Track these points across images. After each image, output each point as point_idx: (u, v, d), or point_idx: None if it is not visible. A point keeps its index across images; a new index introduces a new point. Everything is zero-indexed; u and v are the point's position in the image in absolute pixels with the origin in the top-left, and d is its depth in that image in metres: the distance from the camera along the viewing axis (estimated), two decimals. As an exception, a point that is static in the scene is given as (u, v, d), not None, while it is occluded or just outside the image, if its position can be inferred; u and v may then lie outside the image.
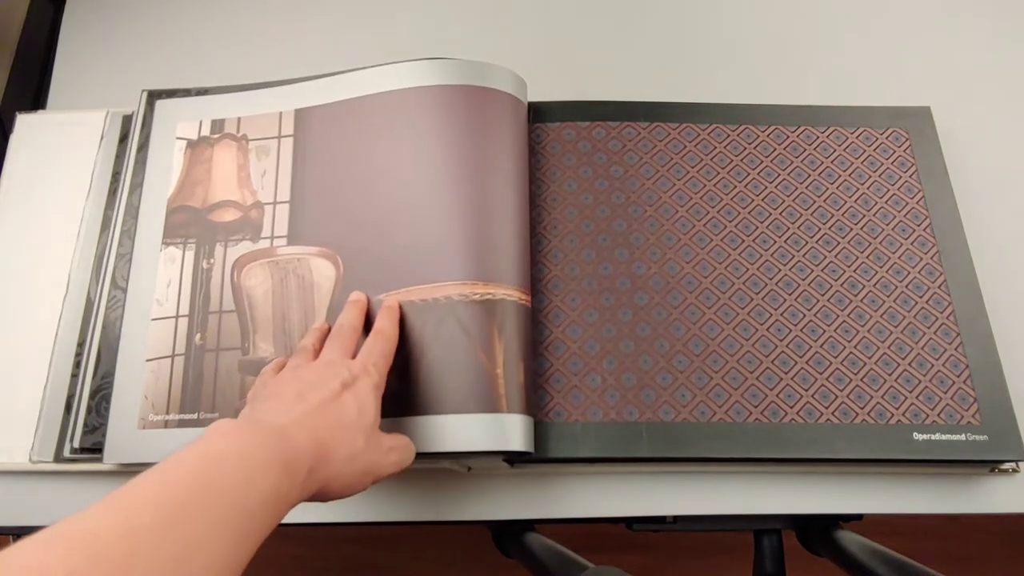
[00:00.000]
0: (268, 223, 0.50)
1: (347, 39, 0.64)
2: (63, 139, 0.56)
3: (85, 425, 0.46)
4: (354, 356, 0.41)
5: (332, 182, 0.50)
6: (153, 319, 0.48)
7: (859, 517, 0.52)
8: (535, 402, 0.46)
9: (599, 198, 0.52)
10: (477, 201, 0.47)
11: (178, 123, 0.54)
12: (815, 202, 0.52)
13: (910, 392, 0.47)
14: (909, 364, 0.48)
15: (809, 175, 0.53)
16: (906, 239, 0.51)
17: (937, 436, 0.46)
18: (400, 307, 0.45)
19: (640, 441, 0.45)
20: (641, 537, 1.08)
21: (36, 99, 0.63)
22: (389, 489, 0.47)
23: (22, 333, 0.50)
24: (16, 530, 0.48)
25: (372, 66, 0.52)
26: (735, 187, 0.53)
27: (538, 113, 0.54)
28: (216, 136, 0.53)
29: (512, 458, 0.45)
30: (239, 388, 0.46)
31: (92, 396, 0.47)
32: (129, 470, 0.46)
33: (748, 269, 0.50)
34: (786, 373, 0.47)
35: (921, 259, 0.51)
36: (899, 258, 0.51)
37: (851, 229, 0.52)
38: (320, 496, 0.35)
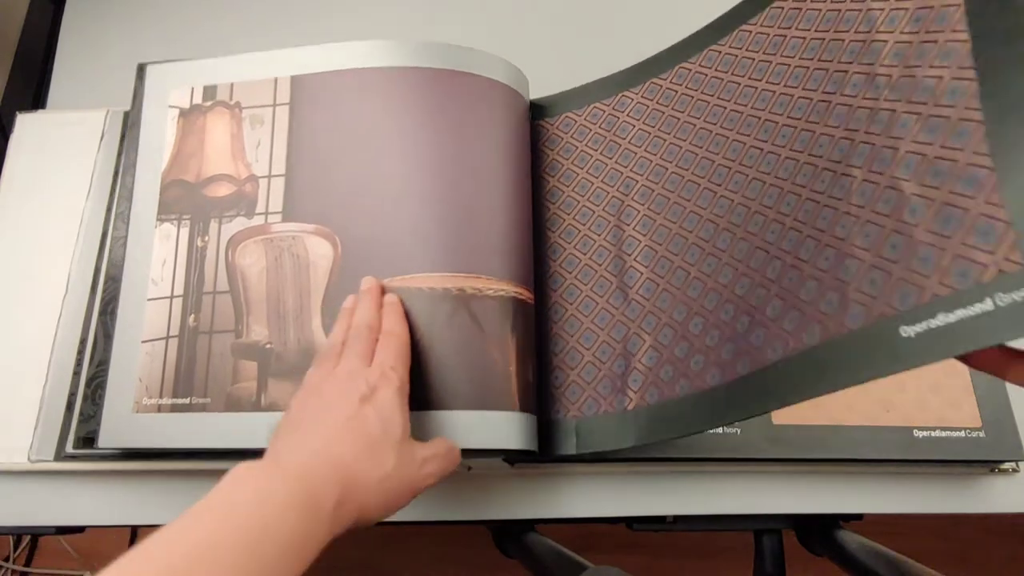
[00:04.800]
0: (263, 198, 0.48)
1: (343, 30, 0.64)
2: (63, 139, 0.56)
3: (81, 414, 0.46)
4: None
5: (330, 156, 0.48)
6: (149, 299, 0.47)
7: (859, 517, 0.52)
8: (538, 400, 0.45)
9: (595, 183, 0.51)
10: (486, 194, 0.46)
11: (170, 91, 0.52)
12: (832, 102, 0.39)
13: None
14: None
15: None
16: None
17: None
18: (401, 300, 0.44)
19: (629, 429, 0.43)
20: (641, 537, 1.08)
21: (36, 99, 0.63)
22: (389, 489, 0.47)
23: (22, 333, 0.50)
24: (16, 530, 0.48)
25: (377, 40, 0.50)
26: (725, 108, 0.45)
27: (539, 110, 0.54)
28: (208, 104, 0.50)
29: (512, 457, 0.45)
30: (232, 373, 0.45)
31: (88, 384, 0.47)
32: (124, 466, 0.46)
33: (734, 201, 0.42)
34: (774, 321, 0.37)
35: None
36: None
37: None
38: (359, 524, 0.34)
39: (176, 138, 0.50)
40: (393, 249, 0.45)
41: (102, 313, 0.48)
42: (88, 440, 0.45)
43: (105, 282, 0.49)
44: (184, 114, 0.51)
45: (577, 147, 0.52)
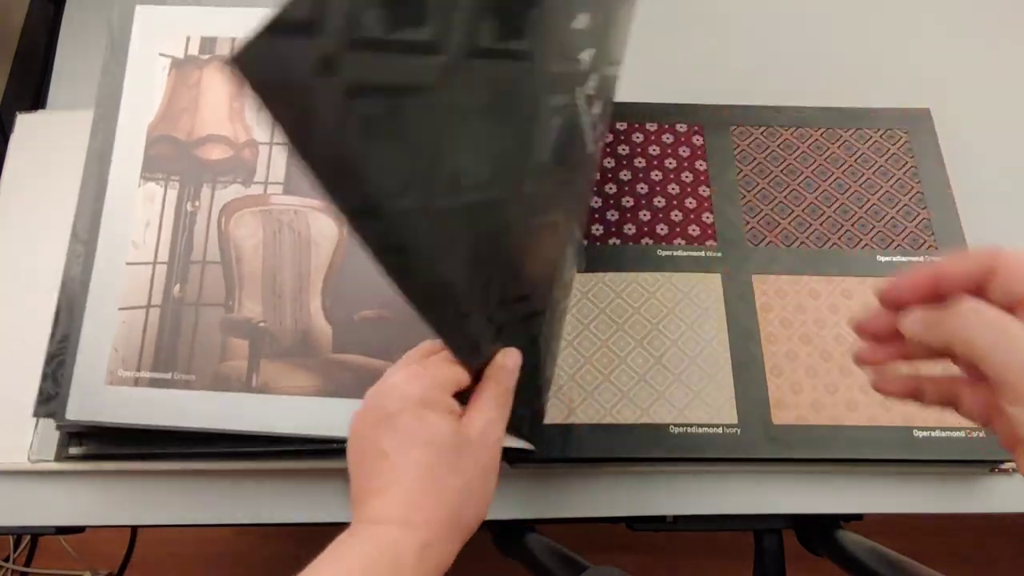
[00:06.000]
0: (263, 166, 0.45)
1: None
2: (63, 139, 0.56)
3: (40, 394, 0.44)
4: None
5: None
6: (128, 263, 0.44)
7: (859, 517, 0.52)
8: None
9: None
10: None
11: (162, 37, 0.47)
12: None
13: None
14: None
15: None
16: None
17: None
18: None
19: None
20: (641, 537, 1.08)
21: (36, 99, 0.63)
22: (389, 489, 0.47)
23: (21, 332, 0.50)
24: (16, 530, 0.48)
25: None
26: None
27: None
28: (206, 57, 0.47)
29: (512, 457, 0.45)
30: (220, 349, 0.43)
31: (49, 361, 0.44)
32: (124, 466, 0.46)
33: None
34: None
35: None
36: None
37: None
38: (466, 538, 0.32)
39: (167, 90, 0.46)
40: None
41: (66, 284, 0.45)
42: (72, 437, 0.44)
43: (73, 246, 0.45)
44: (177, 65, 0.47)
45: None
